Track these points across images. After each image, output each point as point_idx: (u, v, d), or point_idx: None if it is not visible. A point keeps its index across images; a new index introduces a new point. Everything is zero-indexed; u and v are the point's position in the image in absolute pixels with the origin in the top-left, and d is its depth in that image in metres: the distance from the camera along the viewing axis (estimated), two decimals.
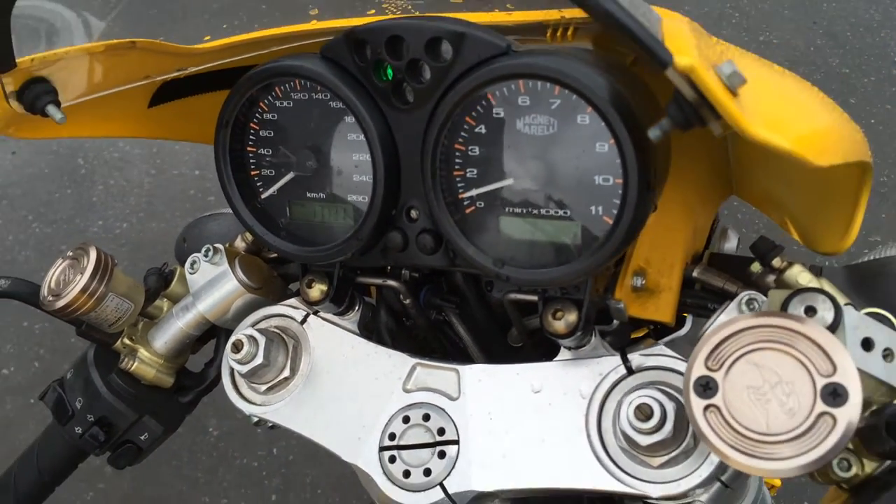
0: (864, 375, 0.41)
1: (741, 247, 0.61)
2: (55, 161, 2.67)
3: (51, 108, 0.50)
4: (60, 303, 0.51)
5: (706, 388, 0.39)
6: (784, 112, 0.40)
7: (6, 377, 1.89)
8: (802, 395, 0.37)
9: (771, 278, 0.50)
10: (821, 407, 0.36)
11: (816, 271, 0.49)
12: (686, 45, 0.34)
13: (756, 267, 0.50)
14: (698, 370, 0.39)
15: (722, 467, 0.45)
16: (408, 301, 0.54)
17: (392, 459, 0.49)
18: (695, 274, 0.53)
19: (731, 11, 3.39)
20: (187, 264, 0.59)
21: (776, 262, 0.49)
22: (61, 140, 2.61)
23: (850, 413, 0.36)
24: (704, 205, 0.55)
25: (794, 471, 0.37)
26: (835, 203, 0.48)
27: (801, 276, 0.49)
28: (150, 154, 2.69)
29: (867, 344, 0.42)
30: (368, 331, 0.56)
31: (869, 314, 0.46)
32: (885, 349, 0.42)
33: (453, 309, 0.55)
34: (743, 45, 0.47)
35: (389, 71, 0.49)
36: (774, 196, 0.54)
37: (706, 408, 0.38)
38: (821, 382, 0.36)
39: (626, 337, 0.55)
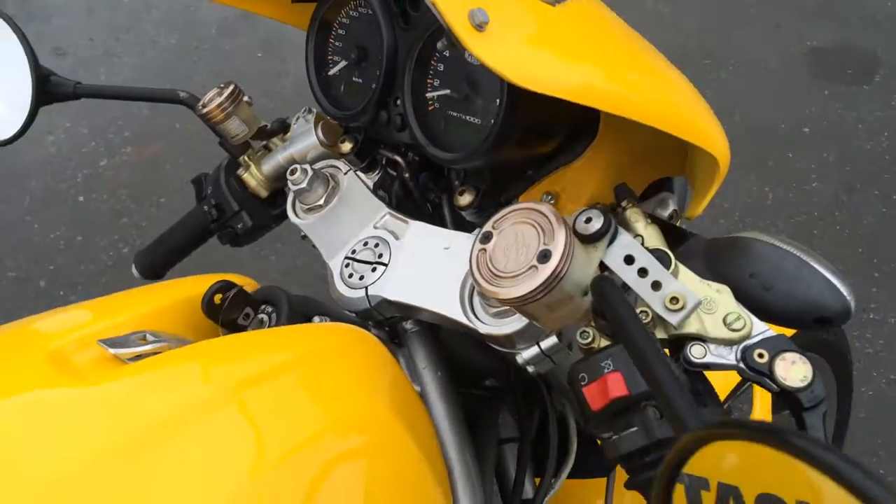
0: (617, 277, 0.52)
1: (684, 224, 0.68)
2: None
3: None
4: (204, 111, 0.78)
5: (486, 238, 0.53)
6: (545, 56, 0.52)
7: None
8: (529, 252, 0.50)
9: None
10: (533, 262, 0.49)
11: (653, 219, 0.58)
12: None
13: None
14: (487, 227, 0.53)
15: (533, 330, 0.57)
16: (406, 175, 0.72)
17: (347, 265, 0.69)
18: None
19: None
20: (293, 118, 0.84)
21: (624, 203, 0.59)
22: None
23: (548, 269, 0.48)
24: (633, 170, 0.66)
25: (509, 301, 0.50)
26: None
27: (633, 215, 0.58)
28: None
29: (629, 259, 0.53)
30: (384, 191, 0.75)
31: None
32: (642, 268, 0.52)
33: (436, 190, 0.73)
34: None
35: (400, 2, 0.69)
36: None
37: (480, 250, 0.53)
38: (540, 247, 0.49)
39: None
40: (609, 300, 0.50)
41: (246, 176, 0.82)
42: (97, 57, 2.95)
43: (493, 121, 0.61)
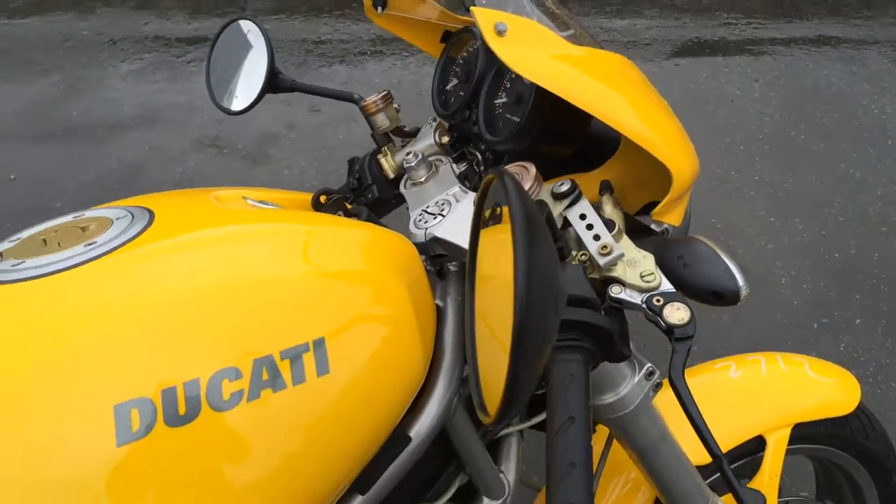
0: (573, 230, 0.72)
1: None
2: None
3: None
4: (363, 104, 1.09)
5: None
6: (541, 56, 0.74)
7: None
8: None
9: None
10: None
11: (624, 213, 0.76)
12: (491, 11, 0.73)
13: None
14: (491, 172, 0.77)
15: None
16: (481, 165, 0.97)
17: (420, 215, 0.92)
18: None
19: None
20: (424, 125, 1.12)
21: (604, 196, 0.78)
22: None
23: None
24: (633, 190, 0.86)
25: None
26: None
27: (606, 201, 0.78)
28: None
29: (583, 217, 0.73)
30: (468, 180, 1.00)
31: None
32: (589, 224, 0.72)
33: None
34: None
35: None
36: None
37: None
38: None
39: None
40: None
41: (382, 160, 1.12)
42: (343, 116, 3.54)
43: (520, 117, 0.85)
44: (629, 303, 0.70)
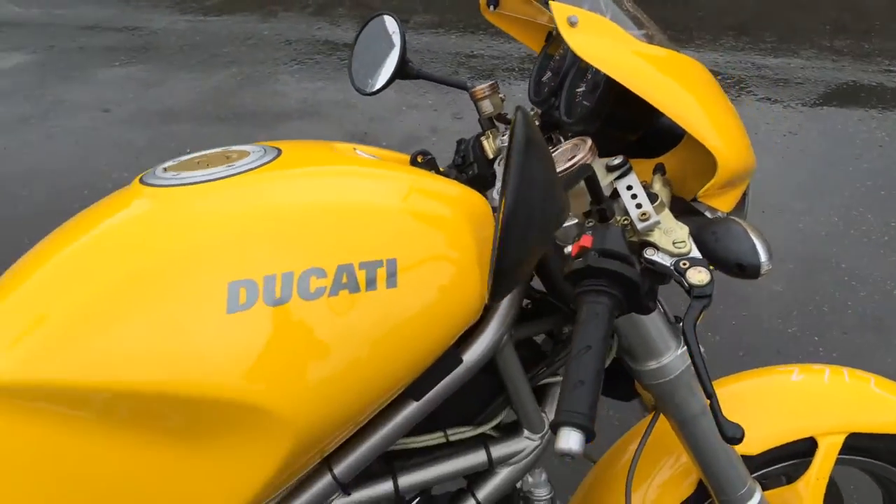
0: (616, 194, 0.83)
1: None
2: None
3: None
4: (472, 90, 1.23)
5: (555, 146, 0.88)
6: (605, 44, 0.84)
7: None
8: (568, 153, 0.84)
9: None
10: (569, 156, 0.84)
11: (660, 179, 0.86)
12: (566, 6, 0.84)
13: None
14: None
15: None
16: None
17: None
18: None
19: None
20: None
21: (656, 175, 0.88)
22: None
23: (575, 159, 0.83)
24: (689, 181, 0.93)
25: None
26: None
27: (656, 179, 0.87)
28: None
29: (629, 188, 0.83)
30: None
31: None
32: (634, 194, 0.82)
33: None
34: None
35: None
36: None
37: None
38: (574, 151, 0.84)
39: None
40: None
41: (484, 141, 1.26)
42: None
43: (591, 102, 0.97)
44: (659, 264, 0.80)
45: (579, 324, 0.74)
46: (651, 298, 0.81)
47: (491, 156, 1.25)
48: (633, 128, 0.99)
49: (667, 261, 0.80)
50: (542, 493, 1.04)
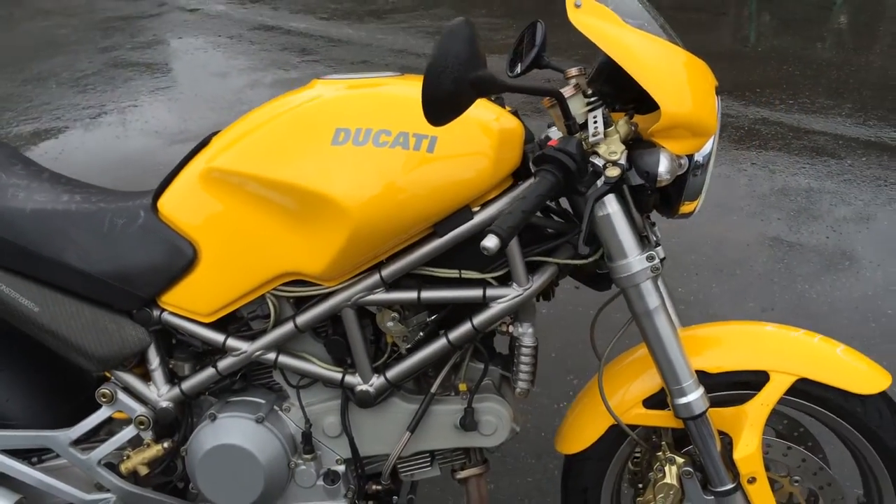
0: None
1: None
2: None
3: None
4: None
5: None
6: (603, 21, 1.16)
7: None
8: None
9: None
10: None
11: (625, 118, 1.19)
12: None
13: None
14: None
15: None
16: None
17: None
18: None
19: None
20: None
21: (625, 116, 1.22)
22: None
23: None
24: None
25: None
26: None
27: (619, 119, 1.19)
28: None
29: (595, 118, 1.18)
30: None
31: None
32: (595, 121, 1.17)
33: None
34: None
35: None
36: None
37: None
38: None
39: None
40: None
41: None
42: None
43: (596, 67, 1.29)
44: (594, 163, 1.15)
45: (530, 185, 1.11)
46: (584, 185, 1.14)
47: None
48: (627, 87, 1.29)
49: (599, 161, 1.15)
50: (528, 341, 1.39)
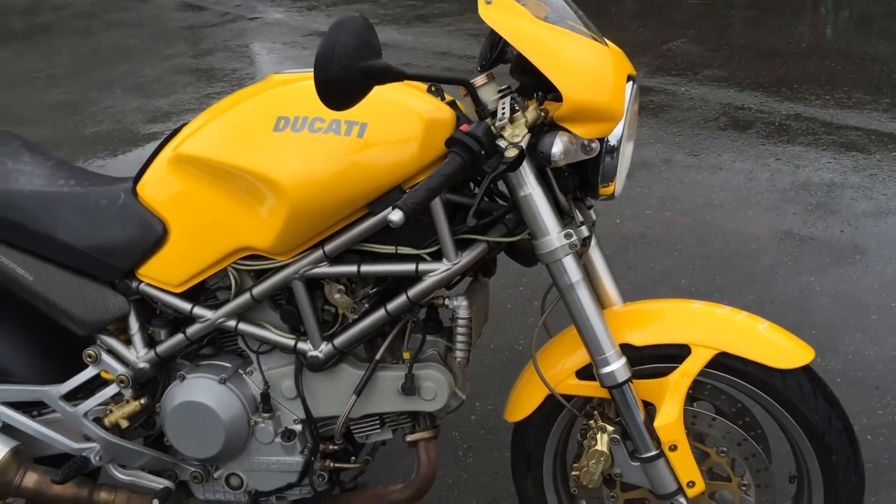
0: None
1: None
2: None
3: None
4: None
5: None
6: (512, 16, 1.26)
7: None
8: None
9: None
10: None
11: (535, 104, 1.28)
12: None
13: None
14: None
15: None
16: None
17: None
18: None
19: None
20: None
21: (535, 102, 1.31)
22: None
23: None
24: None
25: None
26: None
27: (530, 105, 1.29)
28: None
29: (503, 106, 1.28)
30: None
31: None
32: (503, 108, 1.28)
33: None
34: None
35: None
36: None
37: None
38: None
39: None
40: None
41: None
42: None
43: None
44: (498, 146, 1.24)
45: (440, 167, 1.23)
46: (489, 166, 1.24)
47: None
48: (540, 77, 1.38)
49: (503, 143, 1.25)
50: (463, 313, 1.49)
